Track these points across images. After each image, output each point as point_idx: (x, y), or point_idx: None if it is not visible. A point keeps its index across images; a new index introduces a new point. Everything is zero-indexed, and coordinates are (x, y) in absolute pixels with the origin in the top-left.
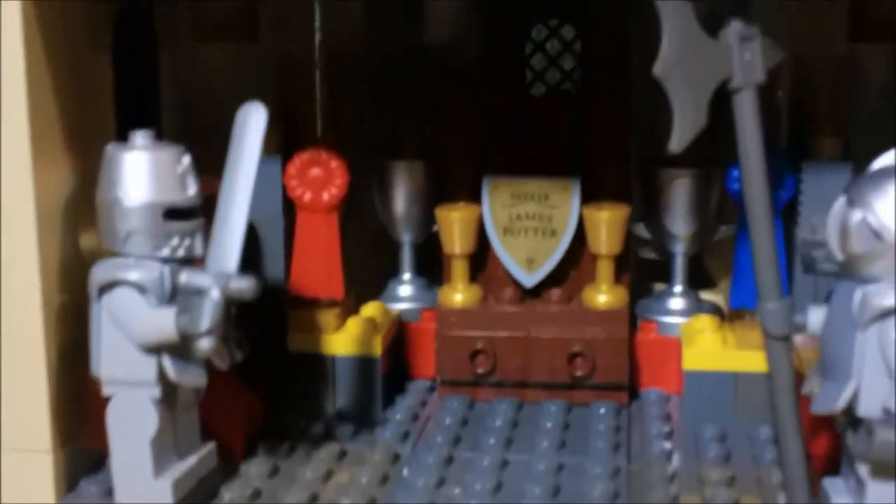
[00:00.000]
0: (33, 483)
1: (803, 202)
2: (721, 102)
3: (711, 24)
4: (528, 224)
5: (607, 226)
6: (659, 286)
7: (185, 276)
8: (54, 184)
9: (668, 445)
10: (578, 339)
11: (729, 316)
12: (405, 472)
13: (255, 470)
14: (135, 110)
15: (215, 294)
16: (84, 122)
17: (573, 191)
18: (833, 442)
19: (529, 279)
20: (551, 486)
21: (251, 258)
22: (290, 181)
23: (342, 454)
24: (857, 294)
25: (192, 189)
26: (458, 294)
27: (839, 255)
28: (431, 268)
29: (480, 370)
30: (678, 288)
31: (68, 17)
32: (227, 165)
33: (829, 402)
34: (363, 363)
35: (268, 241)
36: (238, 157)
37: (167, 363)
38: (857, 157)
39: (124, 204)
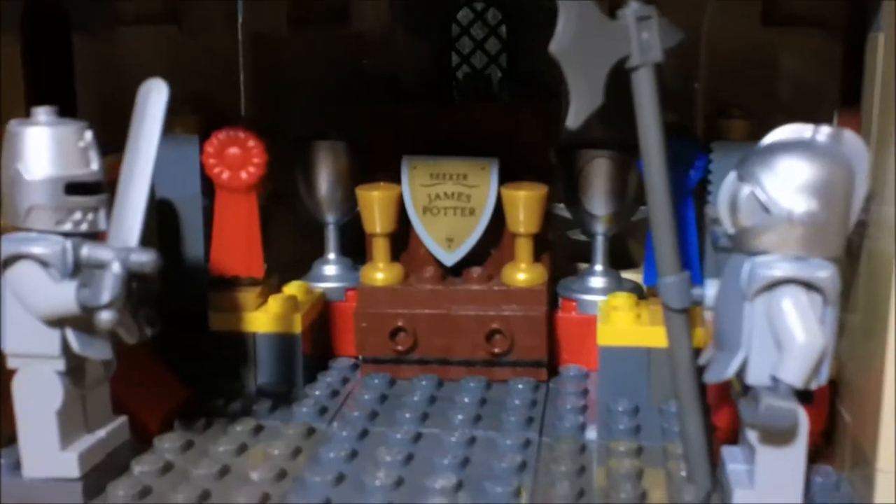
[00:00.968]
0: None
1: (713, 181)
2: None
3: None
4: (447, 203)
5: (525, 205)
6: (583, 266)
7: (87, 251)
8: None
9: (581, 419)
10: (497, 316)
11: (647, 294)
12: (318, 445)
13: (168, 444)
14: (47, 91)
15: (116, 267)
16: None
17: (491, 170)
18: (736, 414)
19: (450, 258)
20: (461, 457)
21: (171, 238)
22: (207, 160)
23: (258, 429)
24: (746, 266)
25: (95, 164)
26: (380, 273)
27: (730, 229)
28: (357, 248)
29: (401, 348)
30: (598, 267)
31: None
32: (128, 142)
33: (720, 371)
34: (284, 341)
35: (187, 221)
36: (139, 133)
37: (71, 336)
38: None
39: (25, 178)
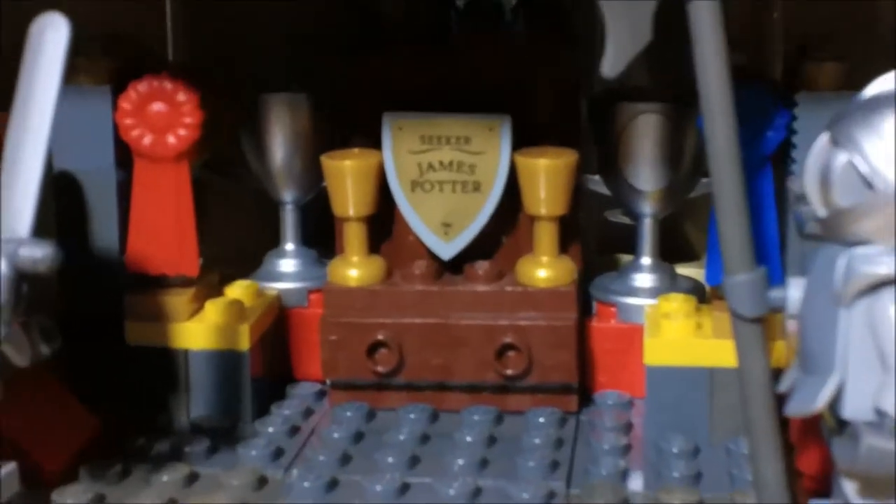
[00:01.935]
0: None
1: (797, 145)
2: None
3: None
4: (444, 176)
5: (548, 177)
6: (626, 259)
7: None
8: None
9: (622, 463)
10: (511, 326)
11: (710, 297)
12: (272, 500)
13: (71, 500)
14: None
15: (2, 265)
16: None
17: (501, 132)
18: (828, 457)
19: (447, 249)
20: None
21: (75, 223)
22: (123, 119)
23: (192, 478)
24: (841, 260)
25: None
26: (354, 269)
27: (821, 211)
28: (323, 236)
29: (382, 369)
30: (645, 260)
31: None
32: (16, 99)
33: (807, 400)
34: (226, 360)
35: (97, 201)
36: (30, 87)
37: None
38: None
39: None
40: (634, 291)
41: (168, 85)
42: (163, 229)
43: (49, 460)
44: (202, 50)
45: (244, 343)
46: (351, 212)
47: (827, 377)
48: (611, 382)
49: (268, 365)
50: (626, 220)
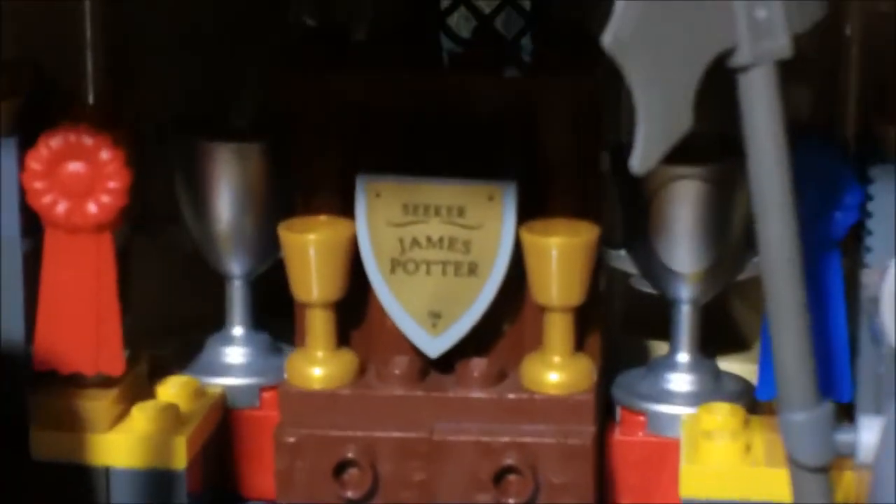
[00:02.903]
0: None
1: (873, 230)
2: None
3: None
4: (432, 255)
5: (562, 260)
6: (656, 346)
7: None
8: None
9: None
10: (513, 444)
11: (763, 408)
12: None
13: None
14: None
15: None
16: None
17: (504, 199)
18: None
19: (435, 344)
20: None
21: None
22: (32, 183)
23: None
24: None
25: None
26: (318, 367)
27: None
28: (279, 318)
29: (352, 493)
30: (683, 357)
31: None
32: None
33: None
34: (157, 480)
35: None
36: None
37: None
38: None
39: None
40: (668, 396)
41: (88, 138)
42: (79, 316)
43: None
44: (129, 85)
45: (180, 459)
46: (315, 296)
47: None
48: None
49: (209, 483)
50: (653, 291)
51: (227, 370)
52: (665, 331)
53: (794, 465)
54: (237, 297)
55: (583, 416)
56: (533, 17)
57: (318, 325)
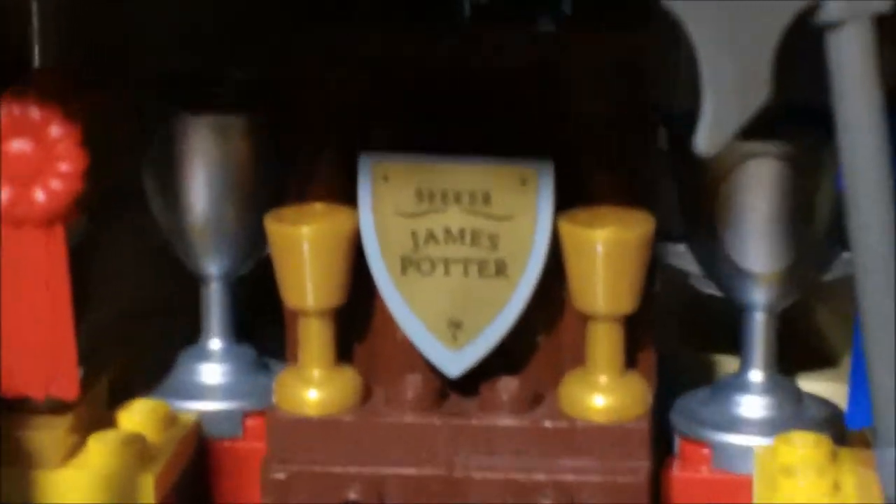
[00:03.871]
0: None
1: None
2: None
3: None
4: (452, 251)
5: (612, 256)
6: (724, 362)
7: None
8: None
9: None
10: (550, 483)
11: (853, 439)
12: None
13: None
14: None
15: None
16: None
17: (539, 185)
18: None
19: (455, 360)
20: None
21: None
22: None
23: None
24: None
25: None
26: (313, 389)
27: None
28: (267, 329)
29: None
30: (756, 375)
31: None
32: None
33: None
34: None
35: None
36: None
37: None
38: None
39: None
40: (738, 424)
41: (35, 113)
42: (25, 329)
43: None
44: (84, 47)
45: (146, 500)
46: (310, 302)
47: None
48: None
49: None
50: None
51: (203, 392)
52: (734, 343)
53: None
54: (215, 302)
55: (635, 448)
56: None
57: (314, 337)
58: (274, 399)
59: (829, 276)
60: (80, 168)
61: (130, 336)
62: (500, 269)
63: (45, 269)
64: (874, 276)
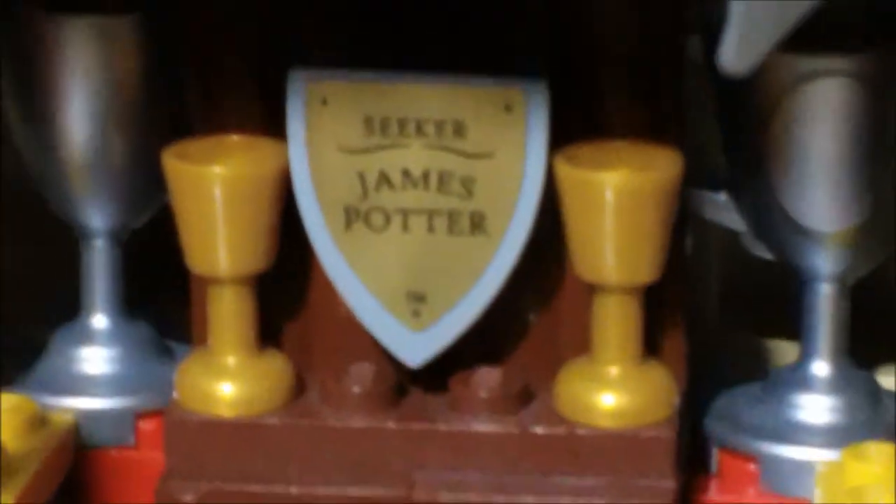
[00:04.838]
0: None
1: None
2: None
3: None
4: (413, 200)
5: (625, 207)
6: (778, 349)
7: None
8: None
9: None
10: None
11: None
12: None
13: None
14: None
15: None
16: None
17: (528, 112)
18: None
19: (417, 346)
20: None
21: None
22: None
23: None
24: None
25: None
26: (227, 381)
27: None
28: (166, 301)
29: None
30: (820, 366)
31: None
32: None
33: None
34: None
35: None
36: None
37: None
38: None
39: None
40: (795, 431)
41: None
42: None
43: None
44: None
45: None
46: (223, 266)
47: None
48: None
49: None
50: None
51: (82, 385)
52: (791, 325)
53: None
54: (99, 266)
55: (656, 463)
56: None
57: (229, 313)
58: (175, 394)
59: None
60: None
61: None
62: (477, 224)
63: None
64: None
